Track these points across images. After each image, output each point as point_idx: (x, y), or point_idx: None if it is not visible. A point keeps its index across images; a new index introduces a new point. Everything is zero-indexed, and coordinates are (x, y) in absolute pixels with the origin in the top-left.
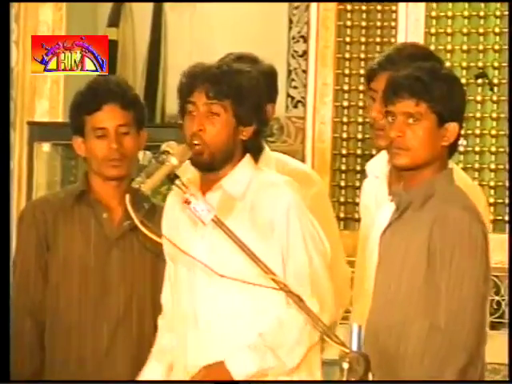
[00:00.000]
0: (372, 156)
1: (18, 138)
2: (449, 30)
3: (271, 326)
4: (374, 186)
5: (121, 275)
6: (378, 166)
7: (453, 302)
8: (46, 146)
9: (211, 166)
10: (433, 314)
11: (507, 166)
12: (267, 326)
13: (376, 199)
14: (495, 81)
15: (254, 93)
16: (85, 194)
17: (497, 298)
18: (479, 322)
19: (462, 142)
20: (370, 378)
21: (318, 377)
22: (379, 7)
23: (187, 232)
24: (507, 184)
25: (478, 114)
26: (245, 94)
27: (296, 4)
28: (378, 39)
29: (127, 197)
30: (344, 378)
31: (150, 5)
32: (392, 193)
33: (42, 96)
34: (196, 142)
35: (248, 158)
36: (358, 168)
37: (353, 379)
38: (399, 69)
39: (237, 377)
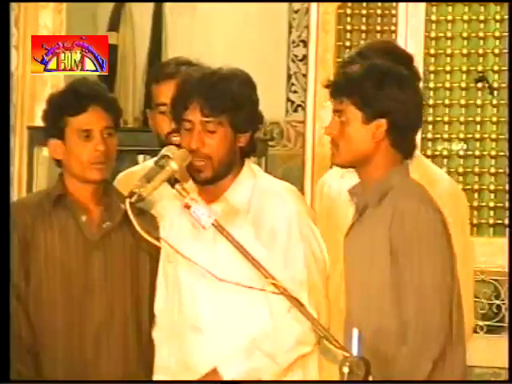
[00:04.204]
0: None
1: (18, 143)
2: (449, 34)
3: (266, 333)
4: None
5: (103, 277)
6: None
7: (420, 296)
8: (46, 151)
9: (213, 181)
10: (403, 309)
11: (507, 170)
12: (261, 332)
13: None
14: (495, 85)
15: (248, 99)
16: (62, 197)
17: (497, 302)
18: (449, 312)
19: (462, 145)
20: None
21: (315, 376)
22: (379, 11)
23: (187, 238)
24: (507, 188)
25: (478, 118)
26: (239, 103)
27: (296, 8)
28: None
29: (127, 202)
30: None
31: (150, 9)
32: (350, 193)
33: (41, 100)
34: (198, 161)
35: (247, 166)
36: None
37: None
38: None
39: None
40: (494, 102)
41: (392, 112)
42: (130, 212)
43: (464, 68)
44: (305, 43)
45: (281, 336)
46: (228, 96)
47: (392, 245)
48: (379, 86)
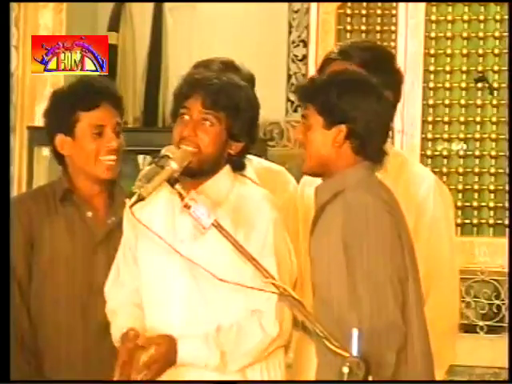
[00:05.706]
0: None
1: (18, 143)
2: (449, 34)
3: (230, 329)
4: None
5: (107, 273)
6: None
7: (372, 288)
8: (46, 151)
9: (196, 174)
10: (359, 302)
11: (507, 170)
12: (227, 325)
13: None
14: (495, 85)
15: (250, 110)
16: (68, 192)
17: (497, 302)
18: (402, 301)
19: (462, 145)
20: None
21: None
22: (379, 11)
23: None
24: (507, 188)
25: (478, 118)
26: (241, 109)
27: (296, 8)
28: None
29: (128, 204)
30: None
31: (150, 9)
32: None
33: (41, 100)
34: (184, 147)
35: (228, 168)
36: None
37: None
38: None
39: (180, 358)
40: (494, 102)
41: (352, 119)
42: (131, 212)
43: (464, 68)
44: (305, 43)
45: (241, 338)
46: (232, 96)
47: (344, 239)
48: (341, 93)
